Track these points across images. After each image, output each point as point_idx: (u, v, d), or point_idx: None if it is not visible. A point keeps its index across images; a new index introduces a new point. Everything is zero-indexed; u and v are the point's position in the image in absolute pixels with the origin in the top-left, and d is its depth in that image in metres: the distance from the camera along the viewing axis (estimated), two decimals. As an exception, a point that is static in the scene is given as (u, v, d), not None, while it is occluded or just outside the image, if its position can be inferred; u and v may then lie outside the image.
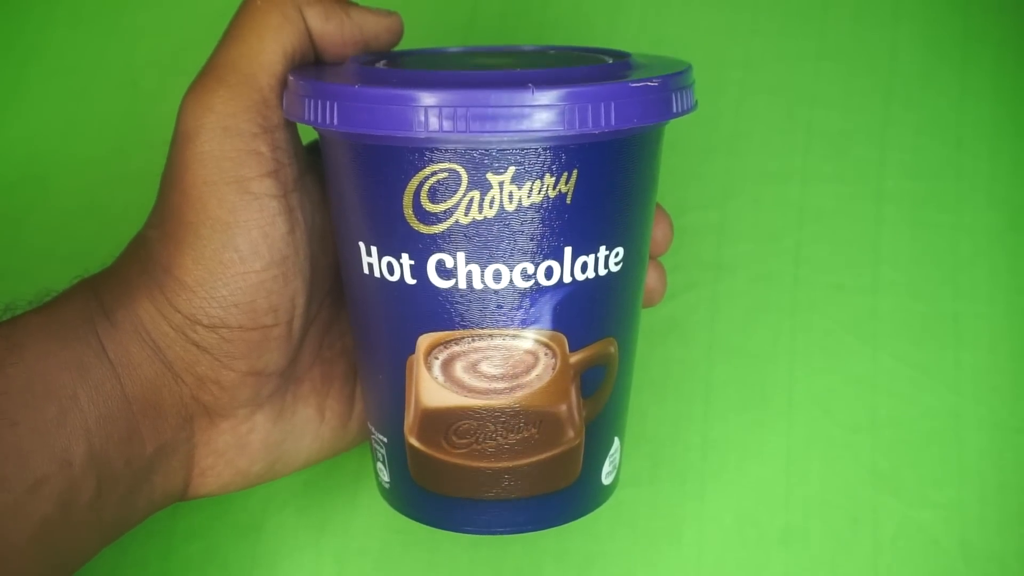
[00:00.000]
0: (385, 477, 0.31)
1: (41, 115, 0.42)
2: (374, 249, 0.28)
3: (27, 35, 0.43)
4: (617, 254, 0.28)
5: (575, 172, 0.26)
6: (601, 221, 0.27)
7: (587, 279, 0.28)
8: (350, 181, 0.28)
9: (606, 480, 0.31)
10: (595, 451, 0.30)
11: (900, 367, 0.39)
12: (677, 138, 0.42)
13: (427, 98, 0.25)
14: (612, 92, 0.25)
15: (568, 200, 0.26)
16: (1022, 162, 0.41)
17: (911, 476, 0.37)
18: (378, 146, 0.26)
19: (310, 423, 0.33)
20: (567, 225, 0.27)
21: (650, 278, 0.33)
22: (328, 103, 0.26)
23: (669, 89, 0.27)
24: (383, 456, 0.31)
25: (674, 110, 0.27)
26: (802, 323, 0.39)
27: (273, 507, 0.37)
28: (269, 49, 0.29)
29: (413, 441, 0.29)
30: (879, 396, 0.38)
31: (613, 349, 0.30)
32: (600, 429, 0.30)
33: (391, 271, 0.28)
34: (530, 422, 0.28)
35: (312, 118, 0.27)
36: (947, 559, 0.36)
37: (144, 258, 0.30)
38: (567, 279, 0.27)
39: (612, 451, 0.31)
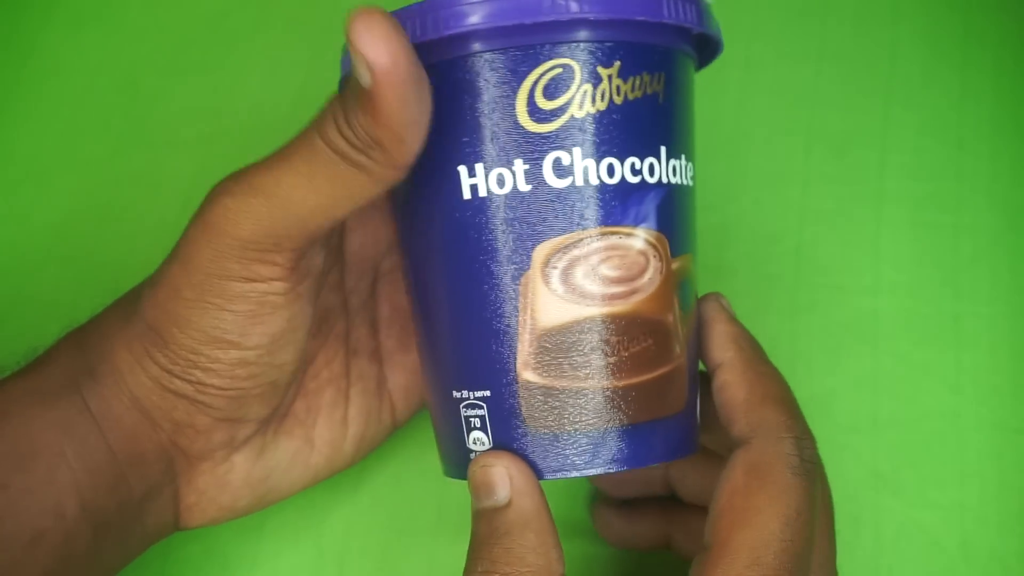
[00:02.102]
0: (486, 443, 0.29)
1: (41, 115, 0.42)
2: (479, 167, 0.28)
3: (26, 35, 0.43)
4: (690, 169, 0.30)
5: (663, 75, 0.28)
6: (682, 128, 0.29)
7: (677, 184, 0.29)
8: (450, 102, 0.27)
9: (700, 419, 0.31)
10: (691, 381, 0.30)
11: (901, 368, 0.39)
12: (677, 138, 0.42)
13: None
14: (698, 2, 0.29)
15: (660, 100, 0.28)
16: (1023, 163, 0.41)
17: (912, 476, 0.37)
18: (488, 52, 0.27)
19: (298, 454, 0.32)
20: (661, 124, 0.28)
21: None
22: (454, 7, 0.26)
23: (716, 21, 0.30)
24: (482, 419, 0.29)
25: (718, 37, 0.30)
26: (803, 324, 0.39)
27: (273, 507, 0.37)
28: (334, 215, 0.27)
29: (530, 376, 0.28)
30: (880, 397, 0.38)
31: (694, 268, 0.30)
32: (691, 356, 0.30)
33: (501, 183, 0.27)
34: (647, 331, 0.28)
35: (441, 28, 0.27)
36: (948, 559, 0.36)
37: (130, 312, 0.29)
38: (664, 180, 0.28)
39: (699, 392, 0.31)
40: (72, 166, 0.41)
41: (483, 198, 0.28)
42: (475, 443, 0.29)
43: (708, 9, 0.29)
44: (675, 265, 0.29)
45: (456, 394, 0.30)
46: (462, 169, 0.28)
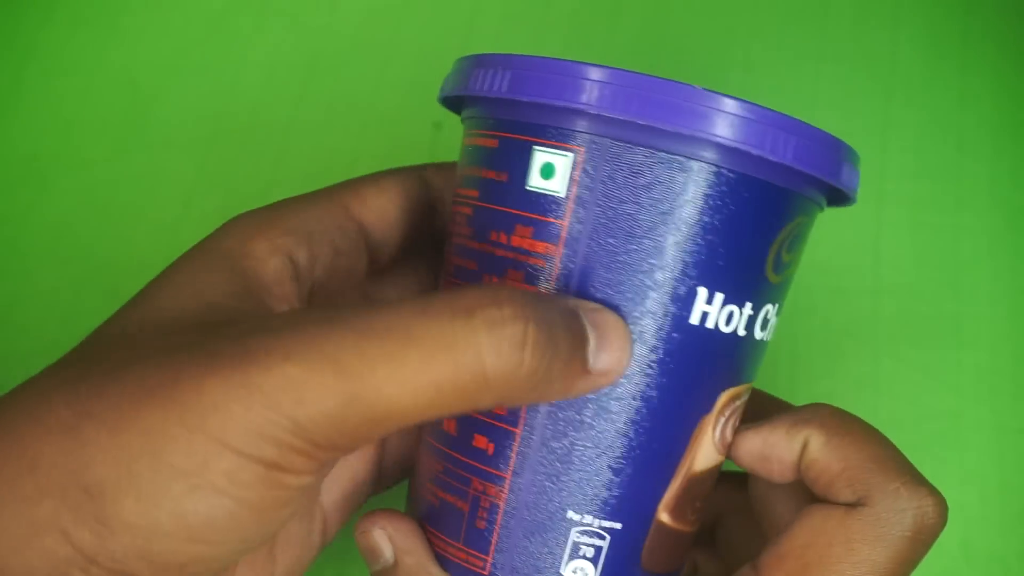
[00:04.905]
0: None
1: (41, 115, 0.42)
2: (718, 296, 0.25)
3: (26, 35, 0.43)
4: None
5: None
6: None
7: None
8: (726, 222, 0.25)
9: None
10: None
11: (901, 369, 0.39)
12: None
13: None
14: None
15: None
16: (1022, 164, 0.41)
17: (912, 477, 0.37)
18: (752, 190, 0.25)
19: (307, 549, 0.29)
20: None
21: None
22: (789, 139, 0.24)
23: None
24: (597, 550, 0.26)
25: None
26: (803, 325, 0.39)
27: (273, 508, 0.37)
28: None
29: (665, 518, 0.26)
30: (880, 397, 0.38)
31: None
32: None
33: (728, 322, 0.25)
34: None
35: (780, 154, 0.24)
36: (948, 559, 0.36)
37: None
38: None
39: None
40: (72, 166, 0.41)
41: (708, 329, 0.25)
42: (574, 572, 0.26)
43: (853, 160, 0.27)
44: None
45: (574, 515, 0.26)
46: (702, 291, 0.25)
